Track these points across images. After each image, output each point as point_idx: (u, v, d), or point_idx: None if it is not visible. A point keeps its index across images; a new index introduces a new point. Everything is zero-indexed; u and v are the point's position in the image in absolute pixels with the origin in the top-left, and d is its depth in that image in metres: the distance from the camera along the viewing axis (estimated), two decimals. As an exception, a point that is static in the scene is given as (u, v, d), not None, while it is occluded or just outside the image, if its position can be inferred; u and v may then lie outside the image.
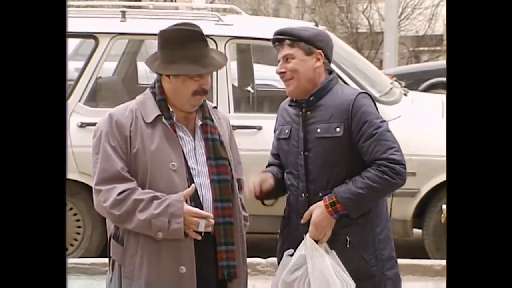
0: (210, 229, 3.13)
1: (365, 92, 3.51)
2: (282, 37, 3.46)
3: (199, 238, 3.10)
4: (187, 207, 3.09)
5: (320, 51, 3.44)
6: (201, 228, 3.09)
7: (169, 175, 3.13)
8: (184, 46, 3.14)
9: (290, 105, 3.52)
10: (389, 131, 3.40)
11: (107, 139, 3.14)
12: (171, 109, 3.21)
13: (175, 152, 3.16)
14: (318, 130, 3.41)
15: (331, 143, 3.39)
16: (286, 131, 3.51)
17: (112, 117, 3.18)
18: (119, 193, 3.08)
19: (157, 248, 3.13)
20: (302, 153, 3.43)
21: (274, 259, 5.47)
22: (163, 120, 3.18)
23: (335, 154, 3.39)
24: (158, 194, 3.10)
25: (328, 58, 3.49)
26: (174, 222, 3.05)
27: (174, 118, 3.21)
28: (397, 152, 3.36)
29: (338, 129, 3.38)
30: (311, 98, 3.44)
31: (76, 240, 6.22)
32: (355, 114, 3.37)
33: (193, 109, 3.24)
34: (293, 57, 3.43)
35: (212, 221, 3.13)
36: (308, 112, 3.45)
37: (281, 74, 3.47)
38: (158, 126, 3.18)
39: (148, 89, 3.29)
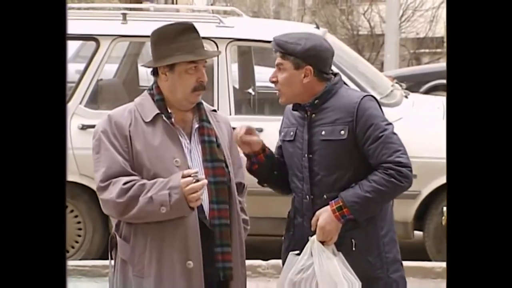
0: (204, 182, 3.12)
1: (370, 95, 3.50)
2: (275, 47, 3.46)
3: (200, 202, 3.12)
4: (183, 179, 3.10)
5: (309, 66, 3.41)
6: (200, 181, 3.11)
7: (173, 171, 3.14)
8: (176, 39, 3.19)
9: (294, 109, 3.52)
10: (394, 133, 3.40)
11: (107, 139, 3.16)
12: (169, 110, 3.22)
13: (178, 149, 3.19)
14: (323, 132, 3.41)
15: (336, 146, 3.39)
16: (291, 133, 3.51)
17: (111, 118, 3.21)
18: (125, 183, 3.10)
19: (164, 244, 3.14)
20: (306, 155, 3.43)
21: (275, 261, 5.48)
22: (163, 118, 3.20)
23: (340, 156, 3.39)
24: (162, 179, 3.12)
25: (322, 71, 3.45)
26: (173, 194, 3.06)
27: (173, 119, 3.22)
28: (404, 155, 3.35)
29: (342, 132, 3.37)
30: (316, 101, 3.43)
31: (77, 242, 6.22)
32: (361, 117, 3.36)
33: (191, 106, 3.26)
34: (284, 68, 3.43)
35: (205, 181, 3.12)
36: (313, 115, 3.44)
37: (273, 82, 3.48)
38: (158, 124, 3.20)
39: (146, 91, 3.31)
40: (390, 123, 3.44)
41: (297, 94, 3.44)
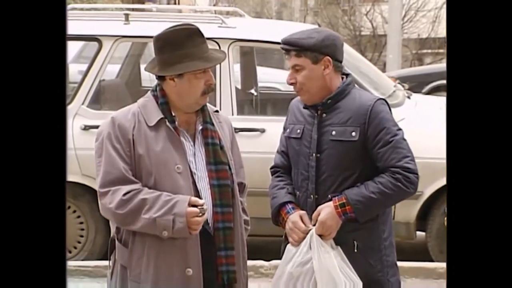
0: (206, 215, 3.13)
1: (382, 98, 3.50)
2: (288, 48, 3.44)
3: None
4: (189, 208, 3.09)
5: (327, 57, 3.41)
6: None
7: (174, 177, 3.13)
8: (184, 45, 3.14)
9: (304, 107, 3.51)
10: (404, 139, 3.40)
11: (110, 142, 3.13)
12: (173, 113, 3.21)
13: (180, 155, 3.16)
14: (333, 132, 3.40)
15: (345, 147, 3.38)
16: (298, 130, 3.50)
17: (114, 120, 3.18)
18: (125, 194, 3.08)
19: (163, 250, 3.12)
20: (314, 154, 3.43)
21: (277, 262, 5.47)
22: (167, 123, 3.18)
23: (348, 157, 3.39)
24: (164, 193, 3.10)
25: (338, 60, 3.46)
26: (178, 222, 3.05)
27: (176, 123, 3.21)
28: (412, 162, 3.36)
29: (354, 133, 3.37)
30: (328, 101, 3.42)
31: (79, 242, 6.23)
32: (373, 120, 3.36)
33: (198, 107, 3.24)
34: (301, 67, 3.40)
35: (206, 207, 3.12)
36: (324, 114, 3.44)
37: (291, 84, 3.46)
38: (161, 129, 3.17)
39: (149, 92, 3.29)
40: (401, 129, 3.44)
41: (321, 88, 3.41)
